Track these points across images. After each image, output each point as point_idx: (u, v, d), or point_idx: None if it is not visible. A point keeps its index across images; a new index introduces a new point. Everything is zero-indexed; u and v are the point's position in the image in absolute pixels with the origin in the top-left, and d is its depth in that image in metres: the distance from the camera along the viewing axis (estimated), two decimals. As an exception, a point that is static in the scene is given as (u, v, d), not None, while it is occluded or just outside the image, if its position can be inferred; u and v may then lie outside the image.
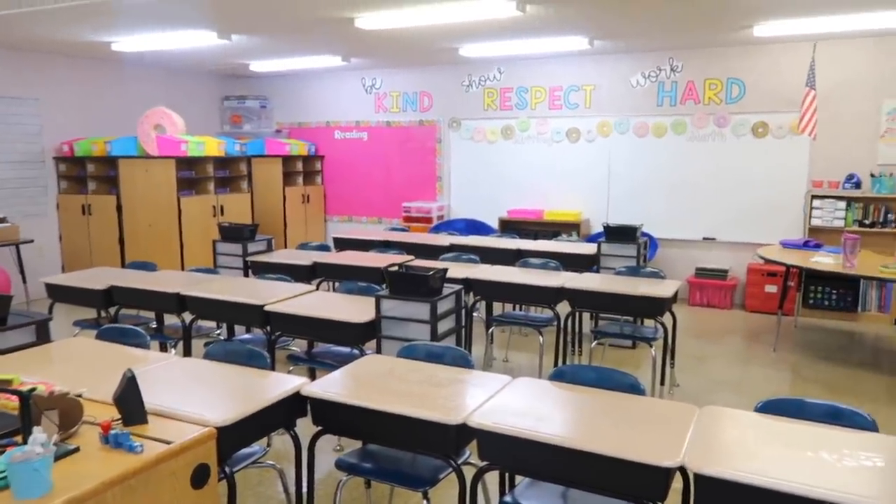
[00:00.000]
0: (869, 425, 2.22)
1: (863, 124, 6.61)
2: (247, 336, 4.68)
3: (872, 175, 6.55)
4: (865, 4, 5.08)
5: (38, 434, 1.86)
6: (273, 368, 2.81)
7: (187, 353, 4.34)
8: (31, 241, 7.10)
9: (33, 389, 2.09)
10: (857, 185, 6.59)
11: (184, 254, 7.41)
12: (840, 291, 6.57)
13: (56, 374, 2.62)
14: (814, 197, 6.71)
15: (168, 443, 2.03)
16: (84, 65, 7.90)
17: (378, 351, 3.53)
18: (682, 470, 2.00)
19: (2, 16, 5.42)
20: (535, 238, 6.93)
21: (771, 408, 2.33)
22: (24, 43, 6.82)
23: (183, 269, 7.19)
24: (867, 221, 6.53)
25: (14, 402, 2.26)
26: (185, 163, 7.59)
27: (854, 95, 6.61)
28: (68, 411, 2.09)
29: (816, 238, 6.34)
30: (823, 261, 5.29)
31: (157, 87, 8.75)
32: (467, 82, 8.38)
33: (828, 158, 6.76)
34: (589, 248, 5.74)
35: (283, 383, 2.55)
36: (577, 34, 6.37)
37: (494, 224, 8.13)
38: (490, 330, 5.11)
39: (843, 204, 6.59)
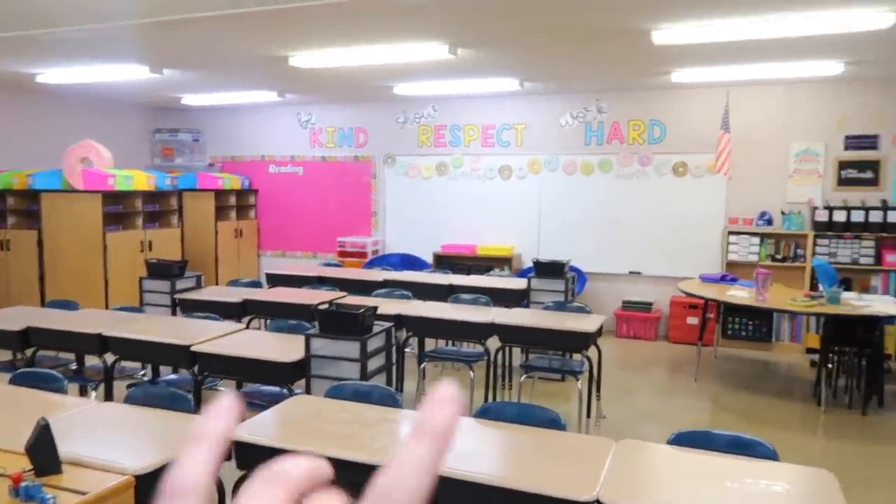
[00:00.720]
0: (770, 454, 2.37)
1: (774, 165, 7.06)
2: (172, 377, 4.57)
3: (783, 213, 6.97)
4: (773, 55, 5.48)
5: (-59, 489, 1.80)
6: (198, 411, 2.77)
7: (108, 396, 4.20)
8: (-58, 278, 6.75)
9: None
10: (770, 222, 7.00)
11: (108, 291, 7.17)
12: (755, 323, 6.91)
13: (-36, 423, 2.51)
14: (730, 233, 7.08)
15: (83, 493, 1.98)
16: (6, 96, 7.64)
17: (307, 391, 3.52)
18: (598, 503, 2.08)
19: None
20: (469, 273, 7.04)
21: (682, 440, 2.46)
22: (-59, 72, 6.57)
23: (107, 307, 6.95)
24: (779, 256, 6.93)
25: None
26: (112, 197, 7.39)
27: (765, 138, 7.06)
28: (-24, 463, 2.02)
29: (733, 272, 6.67)
30: (738, 294, 5.58)
31: (85, 119, 8.53)
32: (402, 119, 8.52)
33: (742, 197, 7.17)
34: (519, 283, 5.88)
35: (207, 427, 2.52)
36: (508, 76, 6.60)
37: (429, 259, 8.22)
38: (422, 366, 5.15)
39: (756, 240, 6.98)
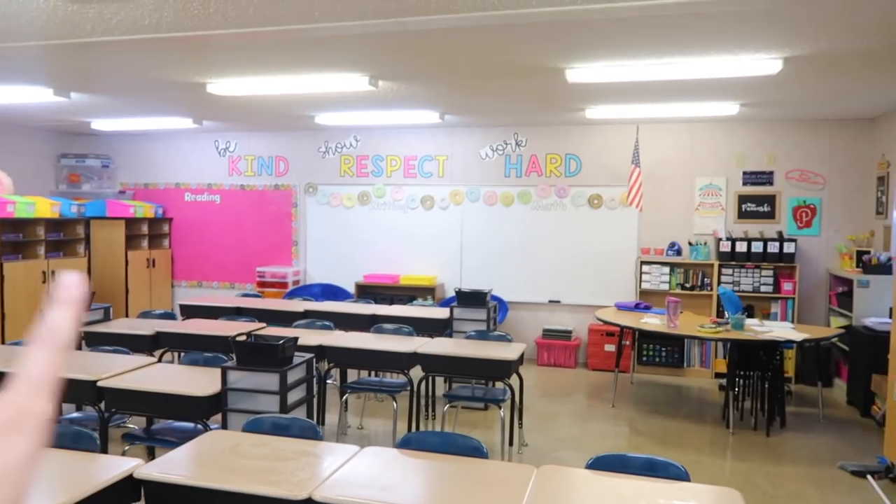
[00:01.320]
0: (682, 475, 2.46)
1: (681, 198, 7.44)
2: (76, 415, 4.30)
3: (690, 243, 7.34)
4: (677, 95, 5.82)
5: None
6: (106, 450, 2.63)
7: (4, 436, 3.91)
8: None
9: None
10: (679, 253, 7.35)
11: (5, 325, 6.71)
12: (668, 349, 7.20)
13: None
14: (643, 263, 7.38)
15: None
16: None
17: (224, 425, 3.39)
18: (519, 530, 2.10)
19: None
20: (392, 303, 7.02)
21: (599, 464, 2.52)
22: None
23: (3, 342, 6.50)
24: (688, 285, 7.27)
25: None
26: (11, 225, 6.97)
27: (672, 172, 7.44)
28: None
29: (646, 300, 6.95)
30: (651, 321, 5.81)
31: (-18, 141, 8.04)
32: (324, 148, 8.48)
33: (653, 228, 7.51)
34: (442, 313, 5.91)
35: (114, 466, 2.39)
36: (429, 108, 6.71)
37: (351, 289, 8.14)
38: (344, 397, 5.07)
39: (667, 269, 7.31)
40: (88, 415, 4.17)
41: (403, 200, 8.21)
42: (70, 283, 0.43)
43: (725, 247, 7.08)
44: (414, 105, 6.49)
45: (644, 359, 7.26)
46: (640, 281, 7.36)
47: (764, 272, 6.99)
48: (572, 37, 4.04)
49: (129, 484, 2.36)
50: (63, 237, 7.65)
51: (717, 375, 7.02)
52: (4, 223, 6.79)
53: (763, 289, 6.99)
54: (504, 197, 7.91)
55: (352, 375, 5.56)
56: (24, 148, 8.57)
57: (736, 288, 6.90)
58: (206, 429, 3.30)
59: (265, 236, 8.71)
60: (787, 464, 4.71)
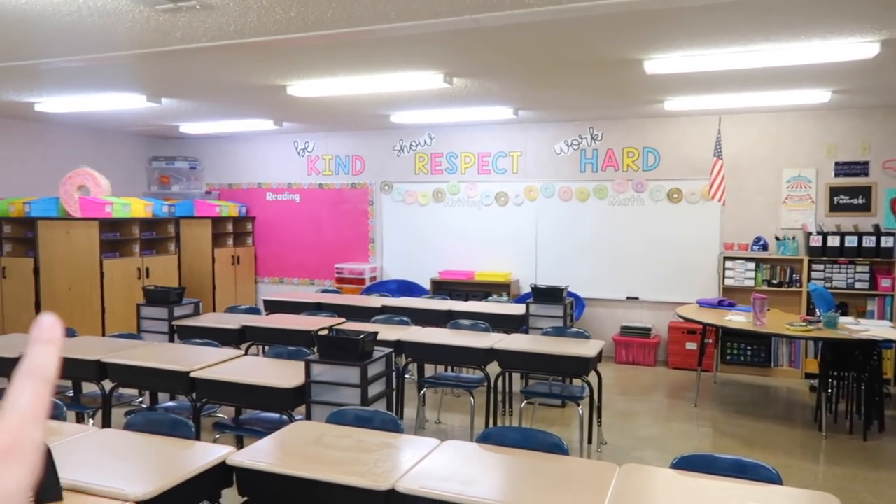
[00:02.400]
0: (774, 478, 2.36)
1: (766, 191, 7.13)
2: (171, 404, 4.54)
3: (777, 238, 7.02)
4: (762, 84, 5.57)
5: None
6: (198, 438, 2.76)
7: (106, 423, 4.16)
8: (-63, 306, 6.72)
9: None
10: (765, 248, 7.05)
11: (105, 319, 7.14)
12: (754, 348, 6.92)
13: (-38, 451, 2.49)
14: (726, 258, 7.12)
15: (84, 520, 1.96)
16: (4, 124, 7.69)
17: (308, 417, 3.50)
18: (603, 528, 2.07)
19: (-82, 75, 5.27)
20: (466, 299, 7.04)
21: (684, 464, 2.45)
22: (-59, 101, 6.61)
23: (104, 334, 6.92)
24: (775, 281, 6.96)
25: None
26: (108, 224, 7.40)
27: (757, 164, 7.14)
28: (-24, 490, 2.00)
29: (730, 297, 6.70)
30: (736, 319, 5.60)
31: (82, 147, 8.58)
32: (398, 147, 8.59)
33: (737, 222, 7.23)
34: (518, 309, 5.89)
35: (208, 453, 2.51)
36: (503, 105, 6.69)
37: (426, 285, 8.22)
38: (422, 392, 5.13)
39: (752, 265, 7.02)
40: (182, 404, 4.39)
41: (477, 197, 8.23)
42: (48, 325, 0.46)
43: (816, 241, 6.74)
44: (488, 101, 6.48)
45: (728, 357, 7.00)
46: (724, 277, 7.11)
47: (859, 268, 6.61)
48: (651, 27, 3.94)
49: (222, 470, 2.47)
50: (156, 236, 8.07)
51: (808, 376, 6.70)
52: (103, 223, 7.22)
53: (858, 285, 6.61)
54: (579, 192, 7.80)
55: (428, 371, 5.62)
56: (118, 152, 9.09)
57: (828, 284, 6.56)
58: (291, 420, 3.41)
59: (343, 234, 8.91)
60: (887, 470, 4.44)
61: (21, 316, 7.22)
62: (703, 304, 6.27)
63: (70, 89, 5.94)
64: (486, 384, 4.66)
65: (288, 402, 3.53)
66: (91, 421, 4.24)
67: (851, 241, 6.63)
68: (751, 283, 7.00)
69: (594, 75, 5.27)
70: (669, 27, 3.94)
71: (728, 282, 7.08)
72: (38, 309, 7.18)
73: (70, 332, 4.93)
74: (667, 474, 2.41)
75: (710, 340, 6.44)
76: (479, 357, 4.57)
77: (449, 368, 5.78)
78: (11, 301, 7.28)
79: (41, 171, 8.09)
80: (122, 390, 4.28)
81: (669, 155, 7.47)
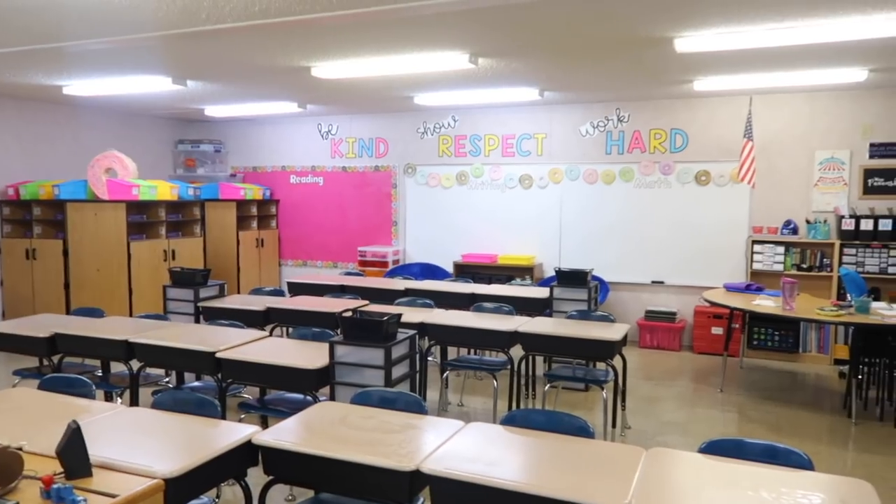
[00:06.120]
0: (805, 464, 2.31)
1: (798, 173, 6.97)
2: (197, 384, 4.59)
3: (808, 221, 6.88)
4: (796, 62, 5.43)
5: (-25, 490, 1.81)
6: (224, 417, 2.78)
7: (134, 402, 4.23)
8: (-29, 286, 6.87)
9: (-29, 443, 2.03)
10: (795, 231, 6.91)
11: (132, 299, 7.24)
12: (782, 333, 6.81)
13: (-5, 427, 2.53)
14: (754, 242, 6.99)
15: (113, 496, 1.98)
16: (34, 107, 7.79)
17: (332, 397, 3.51)
18: (630, 512, 2.04)
19: (-51, 58, 5.34)
20: (490, 282, 7.02)
21: (713, 448, 2.41)
22: (-28, 85, 6.71)
23: (131, 315, 7.02)
24: (805, 266, 6.83)
25: (-51, 456, 2.19)
26: (135, 207, 7.48)
27: (789, 146, 6.98)
28: (7, 466, 2.04)
29: (758, 282, 6.58)
30: (764, 303, 5.50)
31: (109, 130, 8.67)
32: (422, 129, 8.55)
33: (766, 205, 7.09)
34: (541, 293, 5.85)
35: (235, 432, 2.52)
36: (528, 85, 6.60)
37: (449, 268, 8.21)
38: (445, 374, 5.13)
39: (781, 249, 6.89)
40: (207, 384, 4.43)
41: (501, 180, 8.16)
42: None
43: (848, 225, 6.58)
44: (513, 82, 6.41)
45: (755, 342, 6.90)
46: (752, 261, 6.98)
47: (892, 252, 6.45)
48: (684, 3, 3.84)
49: (248, 449, 2.48)
50: (181, 218, 8.14)
51: (837, 362, 6.58)
52: (130, 205, 7.29)
53: (891, 270, 6.46)
54: (605, 175, 7.70)
55: (451, 353, 5.61)
56: (145, 135, 9.17)
57: (860, 269, 6.42)
58: (316, 400, 3.42)
59: (366, 216, 8.92)
60: (919, 458, 4.35)
61: (51, 297, 7.36)
62: (730, 289, 6.17)
63: (97, 72, 5.98)
64: (509, 367, 4.64)
65: (312, 383, 3.55)
66: (119, 400, 4.31)
67: (885, 225, 6.47)
68: (780, 267, 6.87)
69: (623, 54, 5.17)
70: (703, 3, 3.84)
71: (756, 266, 6.96)
72: (66, 290, 7.31)
73: (98, 313, 4.99)
74: (695, 459, 2.37)
75: (737, 325, 6.35)
76: (503, 340, 4.55)
77: (471, 351, 5.77)
78: (42, 282, 7.41)
79: (70, 154, 8.19)
80: (148, 370, 4.33)
81: (698, 136, 7.33)
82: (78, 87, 6.67)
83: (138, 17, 4.16)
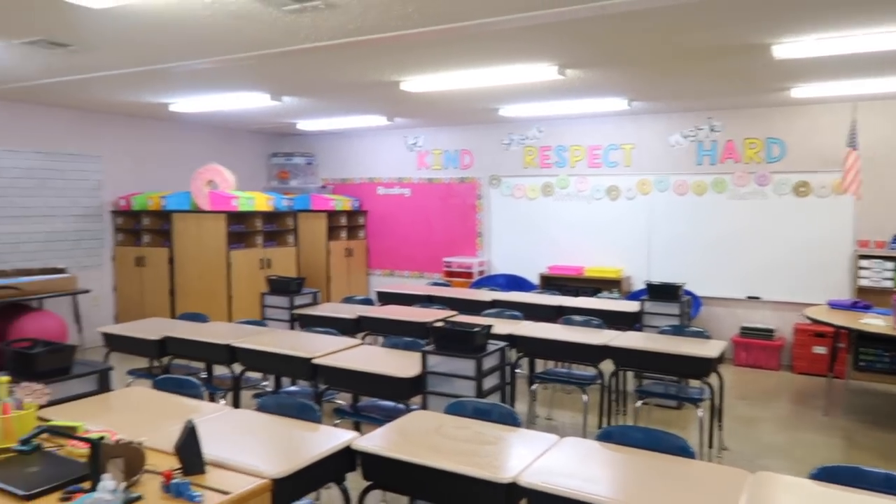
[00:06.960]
0: (930, 496, 2.16)
1: (909, 184, 6.55)
2: (293, 388, 4.76)
3: (922, 235, 6.44)
4: (908, 67, 5.11)
5: (107, 481, 1.95)
6: (320, 422, 2.87)
7: (236, 403, 4.43)
8: (88, 291, 7.38)
9: (101, 438, 2.18)
10: (906, 245, 6.48)
11: (231, 306, 7.59)
12: (893, 354, 6.38)
13: (117, 423, 2.72)
14: (860, 257, 6.60)
15: (226, 493, 2.09)
16: (143, 124, 8.33)
17: (424, 406, 3.56)
18: (737, 536, 1.97)
19: (69, 80, 5.80)
20: (576, 295, 6.93)
21: (827, 475, 2.29)
22: (89, 104, 7.24)
23: (230, 320, 7.35)
24: (918, 282, 6.39)
25: (80, 448, 2.36)
26: (235, 217, 7.85)
27: (899, 155, 6.56)
28: (132, 460, 2.18)
29: (865, 299, 6.20)
30: (874, 322, 5.18)
31: (210, 144, 9.15)
32: (507, 140, 8.57)
33: (873, 218, 6.68)
34: (631, 306, 5.73)
35: (334, 437, 2.61)
36: (616, 96, 6.51)
37: (535, 280, 8.16)
38: (533, 387, 5.10)
39: (891, 265, 6.47)
40: (303, 389, 4.59)
41: (588, 191, 8.07)
42: None
43: (969, 239, 6.11)
44: (601, 92, 6.33)
45: (861, 364, 6.49)
46: (858, 277, 6.59)
47: None
48: (783, 8, 3.70)
49: (346, 454, 2.56)
50: (276, 228, 8.48)
51: (956, 387, 6.10)
52: (230, 216, 7.66)
53: None
54: (696, 186, 7.48)
55: (539, 366, 5.57)
56: (242, 149, 9.63)
57: (982, 287, 5.94)
58: (408, 408, 3.48)
59: (451, 227, 9.00)
60: None
61: (158, 302, 7.81)
62: (834, 306, 5.84)
63: (201, 90, 6.34)
64: (599, 382, 4.57)
65: (405, 392, 3.61)
66: (223, 401, 4.52)
67: None
68: (889, 283, 6.45)
69: (716, 62, 5.03)
70: (803, 7, 3.69)
71: (862, 282, 6.56)
72: (172, 296, 7.75)
73: (202, 318, 5.26)
74: (806, 485, 2.26)
75: (843, 345, 6.00)
76: (593, 354, 4.48)
77: (560, 365, 5.71)
78: (150, 288, 7.89)
79: (175, 166, 8.70)
80: (248, 374, 4.52)
81: (796, 146, 7.00)
82: (183, 104, 7.08)
83: (242, 39, 4.39)
